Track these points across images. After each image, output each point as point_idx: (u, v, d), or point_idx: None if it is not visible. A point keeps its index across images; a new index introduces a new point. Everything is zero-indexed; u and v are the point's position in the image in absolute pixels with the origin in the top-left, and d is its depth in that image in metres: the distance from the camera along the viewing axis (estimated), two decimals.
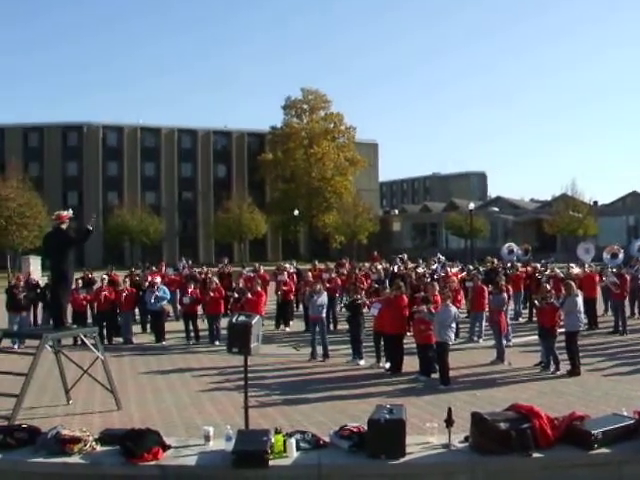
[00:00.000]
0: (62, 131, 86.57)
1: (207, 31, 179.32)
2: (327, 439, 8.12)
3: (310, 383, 15.11)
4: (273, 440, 7.62)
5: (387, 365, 16.23)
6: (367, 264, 33.70)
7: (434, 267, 29.00)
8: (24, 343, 18.47)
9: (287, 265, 29.11)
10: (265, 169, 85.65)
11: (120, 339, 21.36)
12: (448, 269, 27.46)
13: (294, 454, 7.61)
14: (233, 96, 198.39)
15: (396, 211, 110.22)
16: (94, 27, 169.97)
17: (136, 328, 22.57)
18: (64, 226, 12.61)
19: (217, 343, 20.25)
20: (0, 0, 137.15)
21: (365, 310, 18.26)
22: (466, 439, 8.03)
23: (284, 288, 23.92)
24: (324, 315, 18.81)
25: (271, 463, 7.38)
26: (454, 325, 15.57)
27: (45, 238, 13.78)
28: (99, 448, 7.75)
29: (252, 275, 25.72)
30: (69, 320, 14.46)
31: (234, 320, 9.20)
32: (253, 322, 9.00)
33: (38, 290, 22.54)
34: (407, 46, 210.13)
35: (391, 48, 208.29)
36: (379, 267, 28.73)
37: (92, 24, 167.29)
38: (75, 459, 7.55)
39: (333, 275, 25.28)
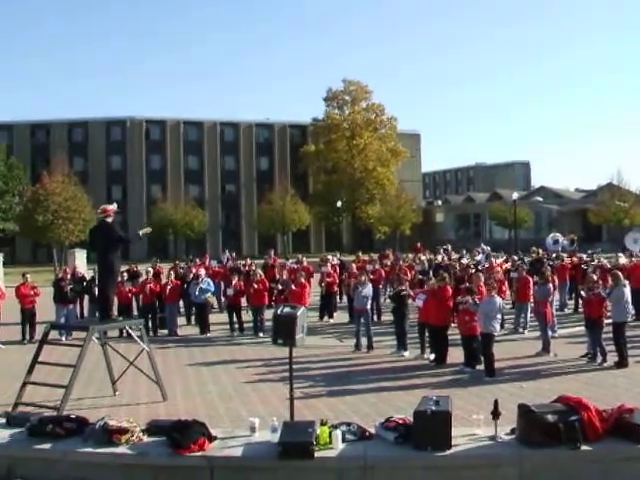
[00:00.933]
0: (106, 126, 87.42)
1: (252, 27, 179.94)
2: (373, 431, 8.08)
3: (354, 374, 15.10)
4: (319, 431, 7.60)
5: (432, 356, 16.15)
6: (410, 255, 33.57)
7: (478, 258, 28.81)
8: (71, 335, 18.75)
9: (330, 257, 29.08)
10: (307, 161, 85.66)
11: (165, 331, 21.55)
12: (492, 260, 27.22)
13: (340, 446, 7.59)
14: (275, 88, 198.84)
15: (439, 202, 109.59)
16: (132, 25, 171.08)
17: (181, 320, 22.77)
18: (110, 219, 12.72)
19: (261, 335, 20.32)
20: None
21: (409, 301, 18.19)
22: (512, 431, 7.93)
23: (328, 280, 23.90)
24: (368, 306, 18.80)
25: (317, 454, 7.37)
26: (499, 316, 15.47)
27: (91, 231, 13.92)
28: (146, 439, 7.80)
29: (296, 267, 25.76)
30: (115, 312, 14.59)
31: (279, 311, 9.19)
32: (298, 313, 8.99)
33: (84, 283, 22.79)
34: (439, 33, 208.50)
35: (430, 37, 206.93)
36: (423, 258, 28.58)
37: (131, 22, 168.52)
38: (122, 449, 7.62)
39: (377, 266, 25.22)
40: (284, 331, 8.99)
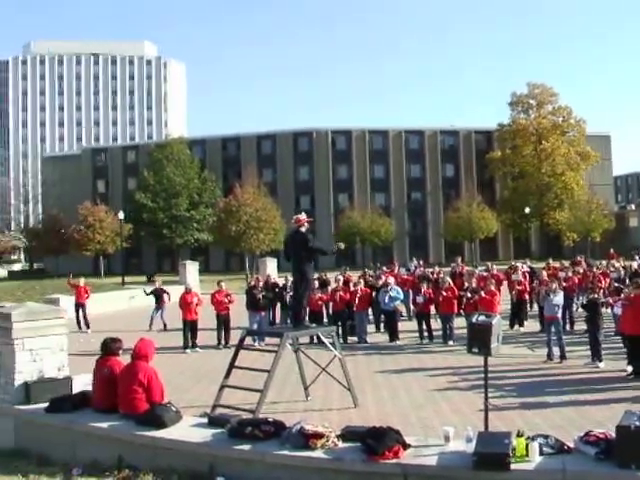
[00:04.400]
0: (293, 137, 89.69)
1: (440, 35, 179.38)
2: (571, 444, 7.79)
3: (547, 385, 14.64)
4: (515, 443, 7.41)
5: (629, 368, 15.37)
6: (604, 262, 32.26)
7: None
8: (264, 341, 19.28)
9: (519, 264, 28.45)
10: (493, 167, 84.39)
11: (354, 338, 21.78)
12: None
13: (537, 458, 7.36)
14: (459, 95, 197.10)
15: (632, 206, 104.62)
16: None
17: (370, 327, 22.92)
18: (303, 229, 13.04)
19: (451, 343, 20.16)
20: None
21: (603, 309, 17.42)
22: None
23: (518, 287, 23.39)
24: (560, 315, 18.24)
25: (513, 467, 7.18)
26: None
27: (286, 240, 14.32)
28: (341, 444, 7.89)
29: (485, 274, 25.39)
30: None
31: (474, 320, 9.07)
32: (494, 322, 8.83)
33: (276, 290, 23.43)
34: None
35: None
36: (617, 265, 27.39)
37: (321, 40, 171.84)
38: (318, 453, 7.74)
39: (569, 274, 24.41)
40: (479, 339, 8.85)
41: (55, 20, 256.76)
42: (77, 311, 27.63)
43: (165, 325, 26.31)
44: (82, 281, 29.00)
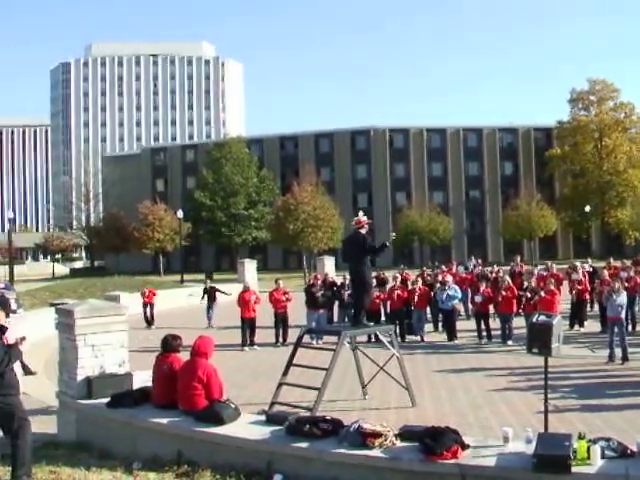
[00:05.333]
0: (350, 136, 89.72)
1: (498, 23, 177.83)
2: (634, 448, 7.63)
3: (608, 387, 14.38)
4: (576, 445, 7.28)
5: None
6: None
7: None
8: (322, 339, 19.32)
9: (579, 263, 28.00)
10: (553, 165, 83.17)
11: (412, 337, 21.69)
12: None
13: (598, 462, 7.22)
14: (518, 92, 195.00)
15: None
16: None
17: (428, 326, 22.81)
18: (363, 231, 13.07)
19: (510, 343, 19.94)
20: None
21: None
22: None
23: (579, 287, 23.03)
24: (623, 315, 17.90)
25: (574, 470, 7.05)
26: None
27: (345, 241, 14.37)
28: (399, 443, 7.85)
29: (545, 274, 25.06)
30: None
31: (535, 320, 8.95)
32: (554, 322, 8.70)
33: (334, 289, 23.45)
34: None
35: None
36: None
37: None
38: (376, 452, 7.70)
39: (631, 273, 23.93)
40: (540, 340, 8.73)
41: (115, 22, 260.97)
42: (145, 309, 28.83)
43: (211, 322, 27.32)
44: (147, 289, 30.48)
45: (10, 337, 8.26)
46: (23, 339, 8.25)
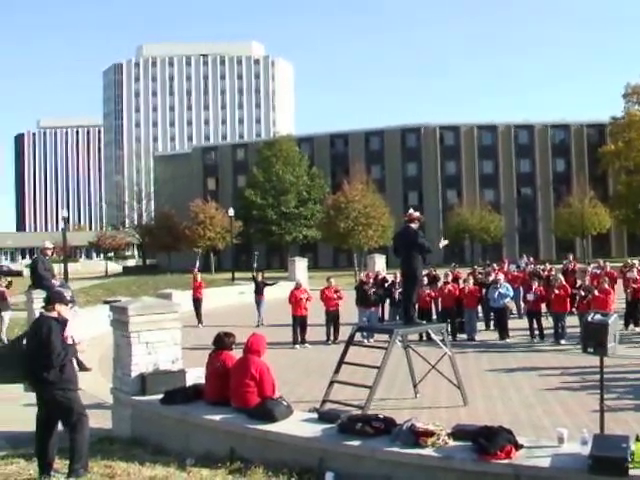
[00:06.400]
0: (401, 133, 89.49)
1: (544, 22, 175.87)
2: None
3: None
4: (633, 447, 7.16)
5: None
6: None
7: None
8: (373, 337, 19.29)
9: (636, 262, 27.54)
10: (606, 161, 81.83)
11: (464, 335, 21.56)
12: None
13: None
14: (571, 88, 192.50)
15: None
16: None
17: (479, 325, 22.65)
18: (414, 225, 12.99)
19: (562, 342, 19.70)
20: None
21: None
22: None
23: (634, 286, 22.66)
24: None
25: (631, 472, 6.92)
26: None
27: (396, 236, 14.28)
28: (451, 442, 7.80)
29: (598, 272, 24.71)
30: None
31: (590, 318, 8.83)
32: (610, 321, 8.56)
33: (385, 286, 23.40)
34: None
35: None
36: None
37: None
38: (428, 451, 7.66)
39: None
40: (595, 339, 8.60)
41: (165, 23, 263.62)
42: (195, 306, 28.48)
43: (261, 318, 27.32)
44: (199, 276, 29.86)
45: (69, 335, 8.37)
46: (81, 343, 8.42)
